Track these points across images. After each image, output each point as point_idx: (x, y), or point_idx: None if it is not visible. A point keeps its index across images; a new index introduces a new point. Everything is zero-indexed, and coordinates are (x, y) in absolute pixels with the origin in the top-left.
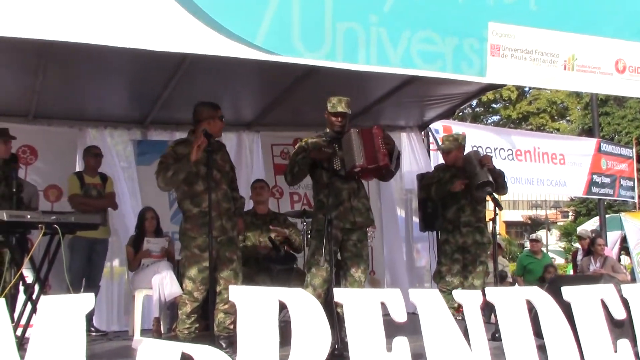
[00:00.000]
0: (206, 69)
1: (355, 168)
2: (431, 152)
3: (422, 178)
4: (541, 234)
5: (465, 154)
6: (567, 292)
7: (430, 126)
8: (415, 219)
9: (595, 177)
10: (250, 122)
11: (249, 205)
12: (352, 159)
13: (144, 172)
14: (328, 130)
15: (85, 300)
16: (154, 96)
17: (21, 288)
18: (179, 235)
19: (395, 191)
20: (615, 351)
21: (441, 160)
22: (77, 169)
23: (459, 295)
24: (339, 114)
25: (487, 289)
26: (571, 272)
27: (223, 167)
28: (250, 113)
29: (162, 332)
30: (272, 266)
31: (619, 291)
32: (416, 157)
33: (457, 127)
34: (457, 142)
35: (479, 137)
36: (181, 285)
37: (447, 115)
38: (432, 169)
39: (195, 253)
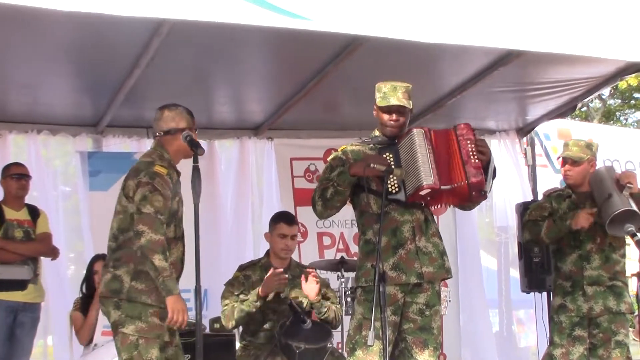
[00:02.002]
0: (191, 44)
1: (421, 190)
2: (537, 169)
3: (524, 209)
4: None
5: (594, 171)
6: None
7: (537, 129)
8: (514, 273)
9: None
10: (260, 124)
11: (252, 253)
12: (416, 175)
13: (97, 201)
14: (377, 133)
15: None
16: (114, 85)
17: None
18: (119, 302)
19: (479, 229)
20: None
21: (553, 182)
22: None
23: None
24: (394, 109)
25: None
26: None
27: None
28: (259, 110)
29: None
30: (293, 344)
31: None
32: (514, 177)
33: (580, 131)
34: (591, 150)
35: (613, 146)
36: None
37: (564, 112)
38: (539, 195)
39: (155, 324)
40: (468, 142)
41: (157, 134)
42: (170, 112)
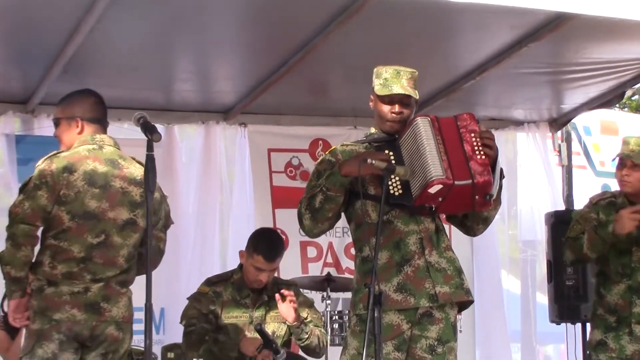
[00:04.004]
0: (146, 4)
1: (431, 186)
2: (573, 171)
3: (556, 221)
4: None
5: None
6: None
7: (575, 122)
8: (542, 299)
9: None
10: (231, 107)
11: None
12: (424, 170)
13: None
14: (374, 130)
15: None
16: (49, 54)
17: None
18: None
19: (500, 244)
20: None
21: (593, 188)
22: None
23: None
24: (397, 99)
25: None
26: None
27: None
28: (229, 90)
29: None
30: None
31: None
32: (544, 180)
33: (630, 124)
34: (625, 146)
35: None
36: None
37: (609, 100)
38: (575, 203)
39: None
40: (472, 134)
41: None
42: None
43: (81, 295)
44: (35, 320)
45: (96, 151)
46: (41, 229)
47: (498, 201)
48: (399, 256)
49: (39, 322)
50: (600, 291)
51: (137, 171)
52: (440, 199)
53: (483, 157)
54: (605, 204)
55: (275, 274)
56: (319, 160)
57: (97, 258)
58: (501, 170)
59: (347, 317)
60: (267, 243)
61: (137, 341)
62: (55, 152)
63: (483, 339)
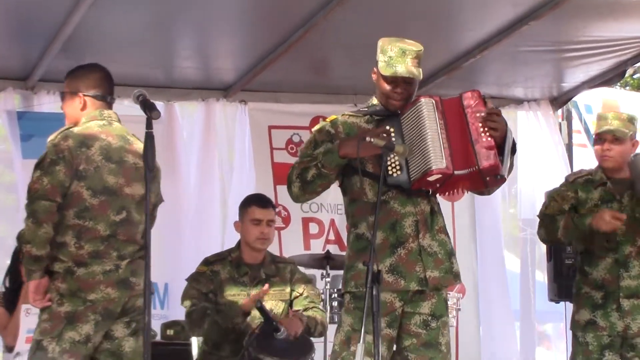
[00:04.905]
0: None
1: (430, 175)
2: (574, 149)
3: None
4: None
5: (634, 155)
6: None
7: (576, 100)
8: (541, 278)
9: None
10: (231, 84)
11: (220, 241)
12: (424, 156)
13: (30, 170)
14: (376, 102)
15: None
16: (49, 31)
17: None
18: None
19: (502, 220)
20: None
21: (586, 162)
22: None
23: None
24: (400, 80)
25: None
26: None
27: None
28: (230, 67)
29: None
30: (265, 358)
31: None
32: (545, 157)
33: (632, 103)
34: (634, 126)
35: None
36: None
37: (610, 79)
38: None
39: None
40: (477, 114)
41: None
42: None
43: (113, 273)
44: (64, 303)
45: (107, 127)
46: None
47: (507, 174)
48: (394, 238)
49: (70, 304)
50: (584, 269)
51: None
52: (438, 185)
53: (489, 138)
54: (583, 181)
55: (278, 251)
56: (317, 127)
57: (120, 235)
58: (513, 143)
59: None
60: (256, 196)
61: None
62: (66, 127)
63: (487, 318)
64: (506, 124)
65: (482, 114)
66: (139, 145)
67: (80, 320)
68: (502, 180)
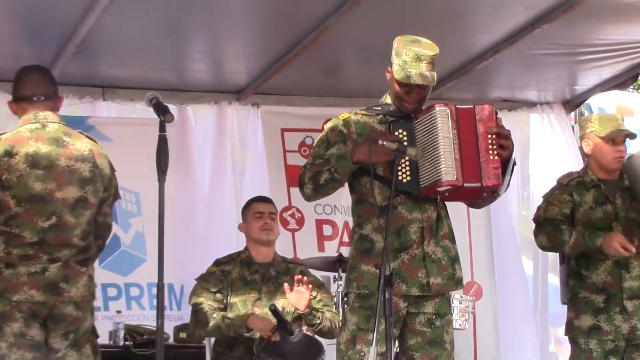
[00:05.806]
0: None
1: (440, 186)
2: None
3: None
4: None
5: (629, 157)
6: None
7: (589, 103)
8: (554, 280)
9: None
10: (244, 87)
11: (235, 243)
12: (436, 166)
13: None
14: (389, 101)
15: None
16: (62, 34)
17: None
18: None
19: (518, 221)
20: None
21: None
22: None
23: None
24: (413, 86)
25: None
26: None
27: None
28: (242, 70)
29: None
30: None
31: None
32: (558, 160)
33: None
34: (618, 122)
35: None
36: None
37: (623, 82)
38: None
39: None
40: (488, 130)
41: None
42: None
43: (39, 276)
44: None
45: (39, 130)
46: None
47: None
48: (399, 243)
49: (0, 305)
50: (581, 273)
51: (84, 146)
52: (447, 194)
53: (496, 157)
54: (575, 184)
55: (292, 253)
56: (330, 125)
57: (51, 240)
58: (514, 161)
59: None
60: (256, 196)
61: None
62: None
63: (506, 323)
64: (512, 146)
65: (494, 130)
66: (78, 146)
67: (10, 319)
68: (495, 199)
